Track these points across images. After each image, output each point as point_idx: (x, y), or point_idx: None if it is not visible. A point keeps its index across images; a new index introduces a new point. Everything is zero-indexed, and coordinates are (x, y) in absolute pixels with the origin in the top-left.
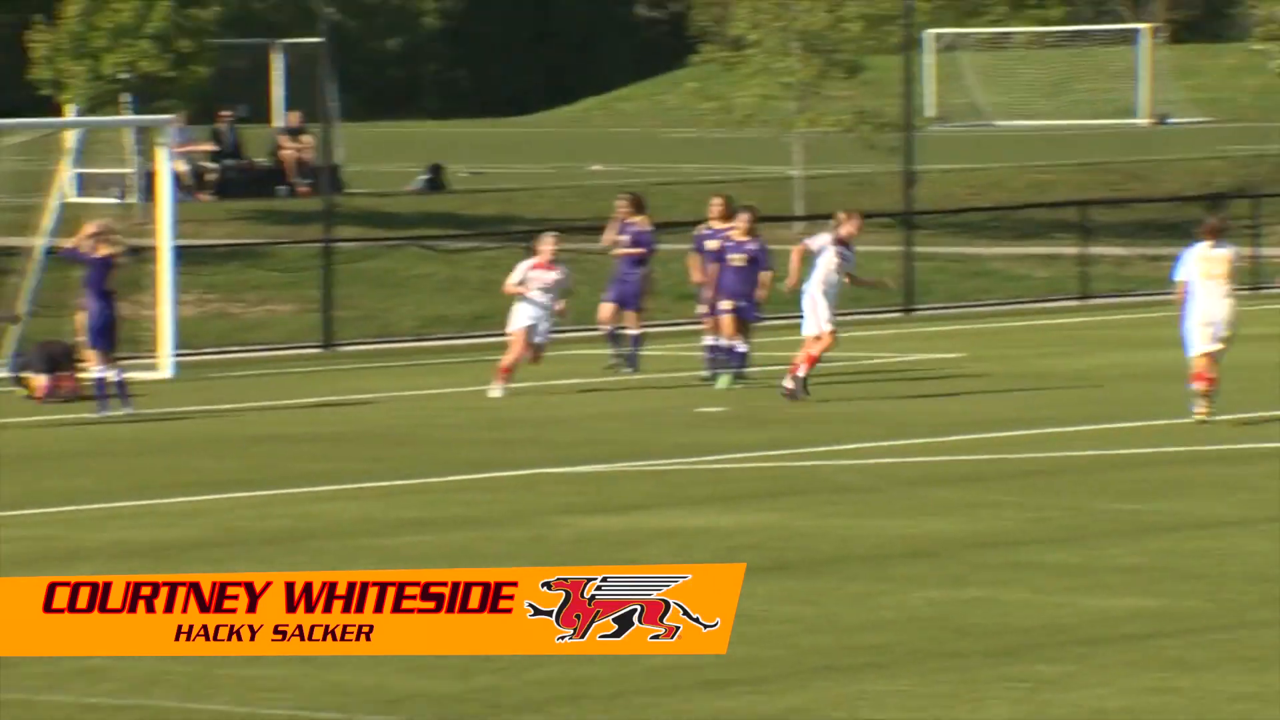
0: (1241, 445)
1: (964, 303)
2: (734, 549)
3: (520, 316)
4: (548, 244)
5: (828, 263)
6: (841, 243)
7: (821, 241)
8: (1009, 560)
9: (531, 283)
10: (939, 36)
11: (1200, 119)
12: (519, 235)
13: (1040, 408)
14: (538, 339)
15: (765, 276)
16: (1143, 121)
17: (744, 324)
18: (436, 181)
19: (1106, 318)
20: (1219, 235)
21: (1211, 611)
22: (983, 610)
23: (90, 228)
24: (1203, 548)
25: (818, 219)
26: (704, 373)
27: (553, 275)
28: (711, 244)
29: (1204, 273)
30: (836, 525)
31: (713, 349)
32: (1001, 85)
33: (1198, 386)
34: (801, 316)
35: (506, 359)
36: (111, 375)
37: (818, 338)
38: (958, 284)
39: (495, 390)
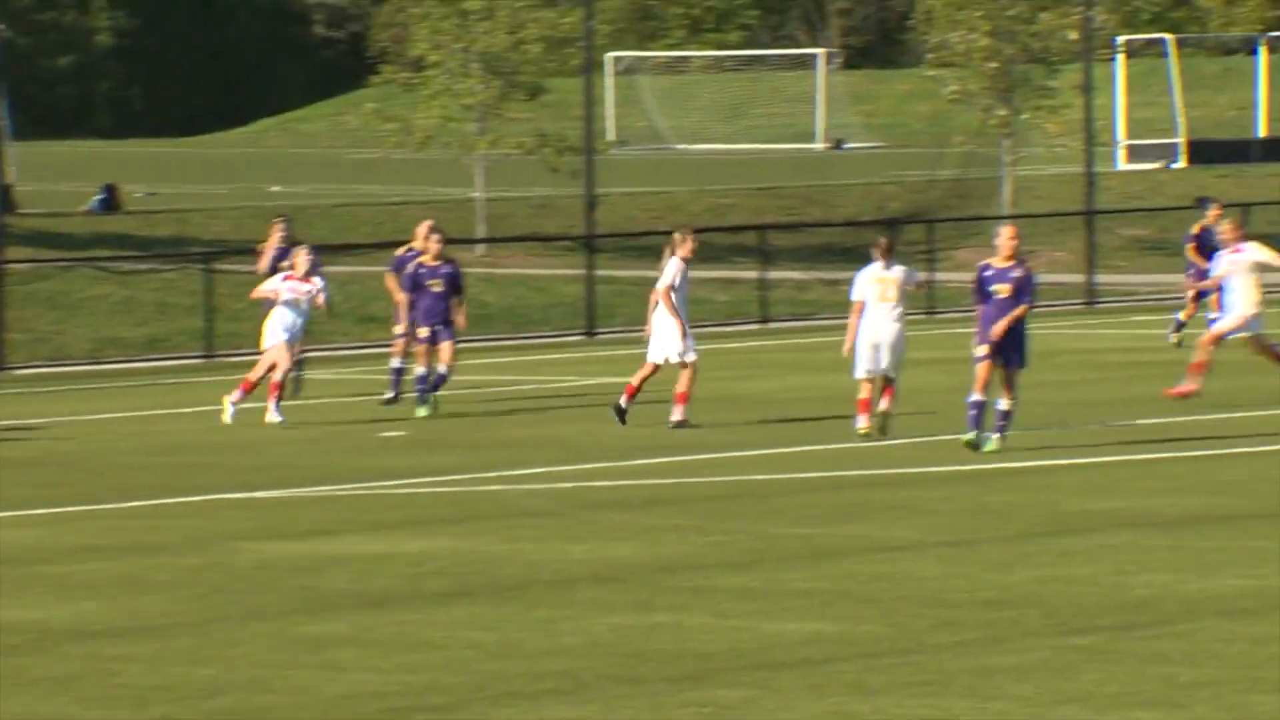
0: (916, 469)
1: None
2: (417, 575)
3: (276, 329)
4: (303, 256)
5: (674, 279)
6: (685, 262)
7: (671, 268)
8: (691, 585)
9: (285, 294)
10: (619, 59)
11: (874, 144)
12: (195, 257)
13: (721, 431)
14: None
15: (459, 300)
16: (819, 146)
17: (439, 348)
18: (111, 202)
19: (786, 341)
20: (891, 254)
21: (888, 636)
22: (666, 635)
23: None
24: (879, 572)
25: (501, 241)
26: (387, 395)
27: (307, 287)
28: (411, 267)
29: (877, 294)
30: (520, 550)
31: (398, 372)
32: (680, 109)
33: (861, 408)
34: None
35: (276, 374)
36: None
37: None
38: (640, 307)
39: (273, 415)
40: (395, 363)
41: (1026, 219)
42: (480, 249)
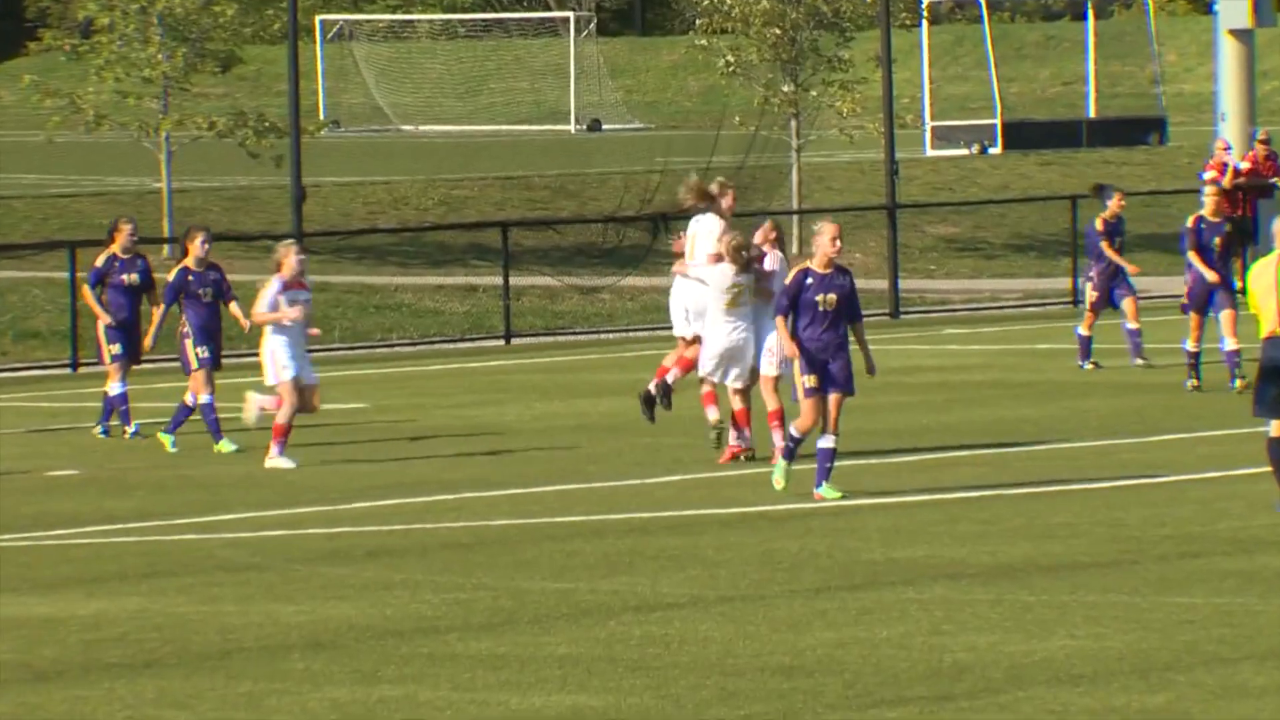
0: (690, 511)
1: (367, 342)
2: (94, 642)
3: (281, 357)
4: (291, 255)
5: None
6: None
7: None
8: (425, 651)
9: (289, 306)
10: (330, 24)
11: (637, 125)
12: None
13: (460, 468)
14: (310, 380)
15: (234, 308)
16: (571, 128)
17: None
18: None
19: (533, 360)
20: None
21: (662, 710)
22: (395, 711)
23: None
24: (650, 634)
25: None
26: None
27: (305, 294)
28: (130, 277)
29: (726, 303)
30: (219, 612)
31: (122, 399)
32: (405, 83)
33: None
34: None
35: (281, 416)
36: None
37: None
38: (359, 319)
39: (284, 461)
40: (116, 388)
41: (817, 213)
42: (167, 250)
